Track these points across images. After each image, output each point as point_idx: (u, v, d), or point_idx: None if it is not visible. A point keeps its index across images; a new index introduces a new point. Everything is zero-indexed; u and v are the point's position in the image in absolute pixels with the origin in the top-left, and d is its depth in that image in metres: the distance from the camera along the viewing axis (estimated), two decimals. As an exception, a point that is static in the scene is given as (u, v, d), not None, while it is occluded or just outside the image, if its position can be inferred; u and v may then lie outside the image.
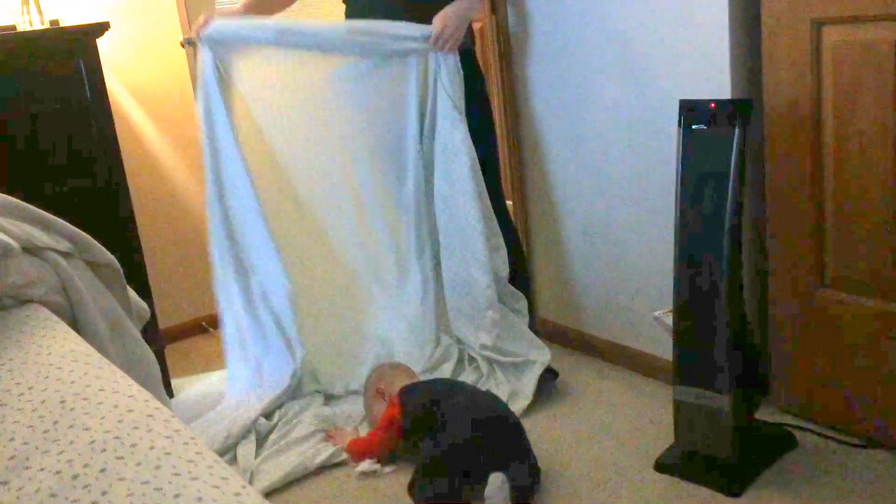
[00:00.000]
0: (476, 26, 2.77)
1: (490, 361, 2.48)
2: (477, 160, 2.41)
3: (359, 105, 2.50)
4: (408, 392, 2.19)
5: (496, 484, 1.85)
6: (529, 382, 2.39)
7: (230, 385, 2.54)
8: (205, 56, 2.39)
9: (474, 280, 2.45)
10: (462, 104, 2.41)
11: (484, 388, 2.38)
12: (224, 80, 2.41)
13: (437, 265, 2.58)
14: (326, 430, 2.29)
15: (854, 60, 1.84)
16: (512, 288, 2.55)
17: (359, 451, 2.17)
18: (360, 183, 2.59)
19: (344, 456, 2.19)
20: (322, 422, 2.32)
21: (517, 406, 2.33)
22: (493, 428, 2.00)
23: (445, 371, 2.52)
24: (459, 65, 2.40)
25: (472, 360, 2.55)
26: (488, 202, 2.46)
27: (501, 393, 2.37)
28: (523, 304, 2.57)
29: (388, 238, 2.62)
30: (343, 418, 2.37)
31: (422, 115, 2.46)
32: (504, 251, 2.51)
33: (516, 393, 2.39)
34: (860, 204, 1.90)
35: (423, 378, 2.40)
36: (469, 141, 2.40)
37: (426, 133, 2.47)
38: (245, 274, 2.49)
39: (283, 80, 2.48)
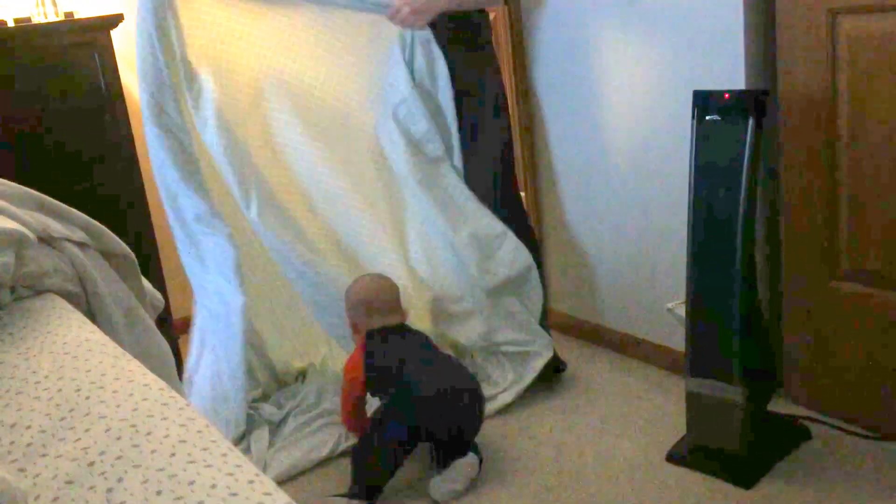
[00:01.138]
0: (491, 15, 2.76)
1: (490, 352, 2.44)
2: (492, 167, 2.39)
3: (332, 60, 2.38)
4: (373, 338, 2.16)
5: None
6: (531, 372, 2.38)
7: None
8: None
9: (472, 278, 2.38)
10: (450, 103, 2.36)
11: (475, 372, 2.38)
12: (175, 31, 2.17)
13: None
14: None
15: (870, 50, 1.83)
16: (532, 280, 2.46)
17: (344, 420, 2.23)
18: (337, 155, 2.43)
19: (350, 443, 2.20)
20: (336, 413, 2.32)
21: (511, 394, 2.34)
22: (455, 398, 2.02)
23: None
24: (434, 43, 2.31)
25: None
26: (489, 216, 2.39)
27: (499, 382, 2.37)
28: (537, 296, 2.48)
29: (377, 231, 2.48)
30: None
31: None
32: (509, 246, 2.41)
33: (515, 382, 2.38)
34: (875, 196, 1.89)
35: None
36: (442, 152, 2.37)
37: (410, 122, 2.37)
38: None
39: (246, 29, 2.30)
